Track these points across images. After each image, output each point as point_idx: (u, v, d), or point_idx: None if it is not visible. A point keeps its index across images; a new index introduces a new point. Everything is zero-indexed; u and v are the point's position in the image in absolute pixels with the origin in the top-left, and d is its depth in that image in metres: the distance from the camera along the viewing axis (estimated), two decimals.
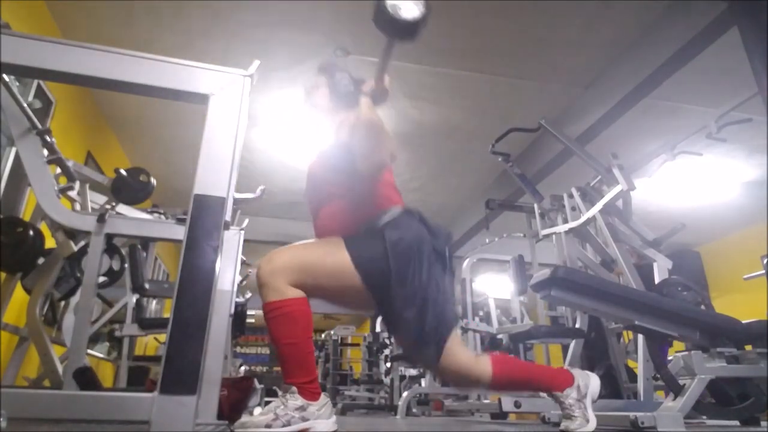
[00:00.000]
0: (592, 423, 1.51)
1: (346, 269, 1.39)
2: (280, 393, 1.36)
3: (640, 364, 2.51)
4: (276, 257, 1.40)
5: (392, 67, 4.11)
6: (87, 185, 2.77)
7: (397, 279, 1.36)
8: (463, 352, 1.48)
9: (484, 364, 1.47)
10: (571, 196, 3.15)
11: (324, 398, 1.36)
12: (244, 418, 1.35)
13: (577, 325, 2.99)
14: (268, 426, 1.28)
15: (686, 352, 1.93)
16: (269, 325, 1.37)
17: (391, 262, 1.36)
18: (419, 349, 1.39)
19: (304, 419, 1.31)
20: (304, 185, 1.69)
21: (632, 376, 2.81)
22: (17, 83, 2.14)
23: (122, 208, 2.88)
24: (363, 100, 1.50)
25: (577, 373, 1.60)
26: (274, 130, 4.90)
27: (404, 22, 1.27)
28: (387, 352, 6.04)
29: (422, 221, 1.50)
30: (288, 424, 1.30)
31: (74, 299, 2.74)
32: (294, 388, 1.33)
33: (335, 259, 1.40)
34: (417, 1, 1.27)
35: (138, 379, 4.23)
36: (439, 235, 1.49)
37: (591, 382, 1.58)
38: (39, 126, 2.12)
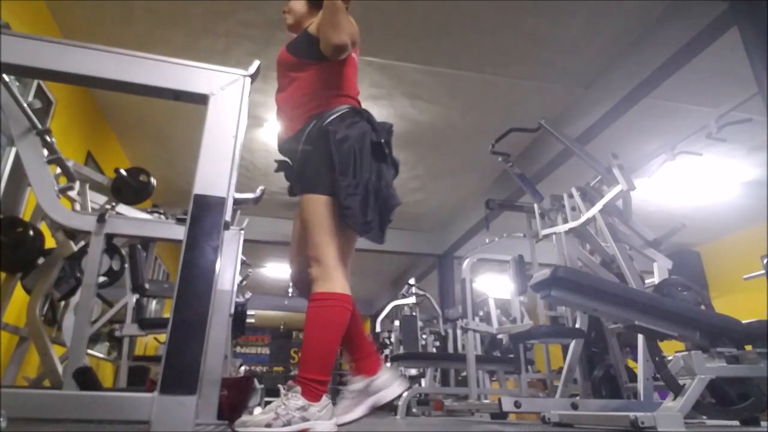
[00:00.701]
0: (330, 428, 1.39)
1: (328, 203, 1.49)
2: (282, 392, 1.37)
3: (640, 364, 2.51)
4: (319, 258, 1.48)
5: (392, 66, 4.10)
6: (87, 185, 2.77)
7: (340, 170, 1.45)
8: (342, 267, 1.49)
9: (338, 285, 1.45)
10: (571, 196, 3.15)
11: (326, 400, 1.37)
12: (245, 417, 1.35)
13: (577, 325, 2.99)
14: (268, 425, 1.29)
15: (686, 352, 1.93)
16: (316, 314, 1.43)
17: (335, 156, 1.46)
18: (364, 233, 1.46)
19: (305, 419, 1.31)
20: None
21: (632, 376, 2.81)
22: (17, 83, 2.14)
23: (122, 208, 2.88)
24: None
25: (383, 378, 1.52)
26: (274, 130, 4.90)
27: None
28: (387, 352, 6.04)
29: (368, 119, 1.60)
30: (288, 423, 1.30)
31: (74, 299, 2.74)
32: (297, 388, 1.34)
33: (325, 212, 1.49)
34: None
35: (138, 379, 4.23)
36: (381, 129, 1.59)
37: (390, 387, 1.51)
38: (39, 126, 2.12)
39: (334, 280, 1.45)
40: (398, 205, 1.58)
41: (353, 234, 1.53)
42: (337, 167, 1.45)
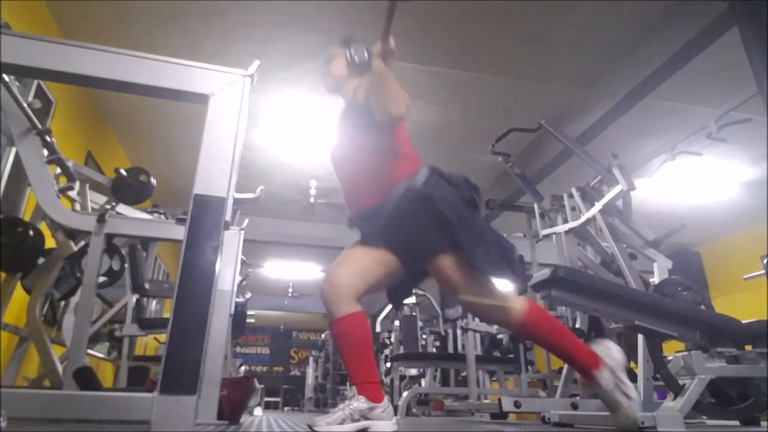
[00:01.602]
0: (634, 395, 1.52)
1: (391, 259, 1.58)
2: (348, 394, 1.55)
3: (640, 364, 2.50)
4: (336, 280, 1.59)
5: (391, 66, 4.07)
6: (87, 185, 2.77)
7: (457, 225, 1.49)
8: (501, 291, 1.59)
9: (520, 305, 1.55)
10: (571, 196, 3.15)
11: (387, 402, 1.51)
12: (318, 417, 1.46)
13: (577, 325, 2.99)
14: (340, 424, 1.43)
15: (686, 352, 1.93)
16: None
17: (447, 215, 1.50)
18: (498, 275, 1.52)
19: (368, 419, 1.46)
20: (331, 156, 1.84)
21: (632, 376, 2.81)
22: (17, 83, 2.14)
23: (122, 208, 2.88)
24: (374, 61, 1.61)
25: (598, 349, 1.58)
26: (274, 130, 4.91)
27: None
28: (387, 352, 6.04)
29: (443, 175, 1.63)
30: (355, 422, 1.45)
31: (74, 299, 2.74)
32: (362, 398, 1.48)
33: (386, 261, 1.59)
34: None
35: (138, 379, 4.23)
36: (464, 186, 1.62)
37: (612, 352, 1.58)
38: (39, 126, 2.12)
39: (515, 300, 1.57)
40: (514, 248, 1.61)
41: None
42: (454, 223, 1.49)
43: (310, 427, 1.42)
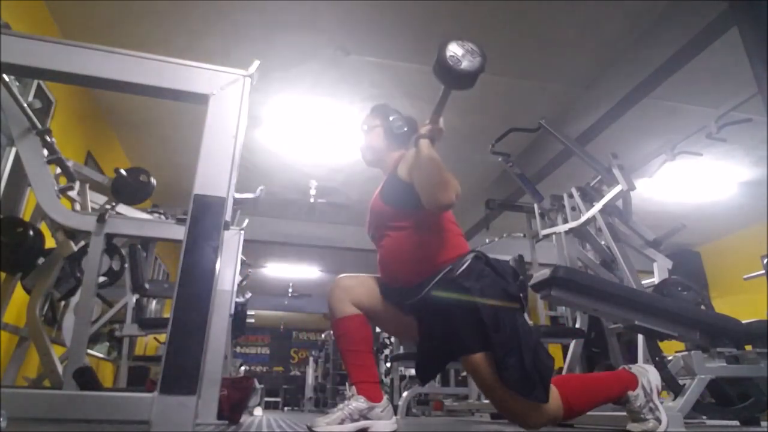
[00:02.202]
0: (665, 421, 1.51)
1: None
2: (348, 394, 1.52)
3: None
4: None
5: (391, 66, 4.09)
6: (87, 185, 2.77)
7: (492, 328, 1.37)
8: None
9: (554, 401, 1.40)
10: (571, 196, 3.15)
11: (386, 401, 1.52)
12: (319, 418, 1.47)
13: (577, 325, 2.99)
14: (340, 424, 1.44)
15: (686, 352, 1.93)
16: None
17: (482, 313, 1.39)
18: (527, 394, 1.34)
19: (368, 419, 1.47)
20: (366, 220, 1.77)
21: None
22: (17, 83, 2.14)
23: (122, 208, 2.87)
24: (422, 142, 1.53)
25: (637, 371, 1.57)
26: (274, 130, 4.91)
27: (463, 73, 1.35)
28: (387, 352, 6.04)
29: (489, 264, 1.52)
30: (355, 422, 1.46)
31: (74, 299, 2.74)
32: (362, 398, 1.49)
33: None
34: (476, 56, 1.35)
35: (138, 379, 4.24)
36: (510, 278, 1.51)
37: (651, 375, 1.56)
38: (39, 126, 2.12)
39: (550, 407, 1.39)
40: (552, 363, 1.46)
41: None
42: (488, 325, 1.38)
43: (309, 427, 1.43)
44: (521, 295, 1.51)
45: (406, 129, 1.73)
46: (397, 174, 1.64)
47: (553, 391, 1.40)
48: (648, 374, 1.56)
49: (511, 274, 1.52)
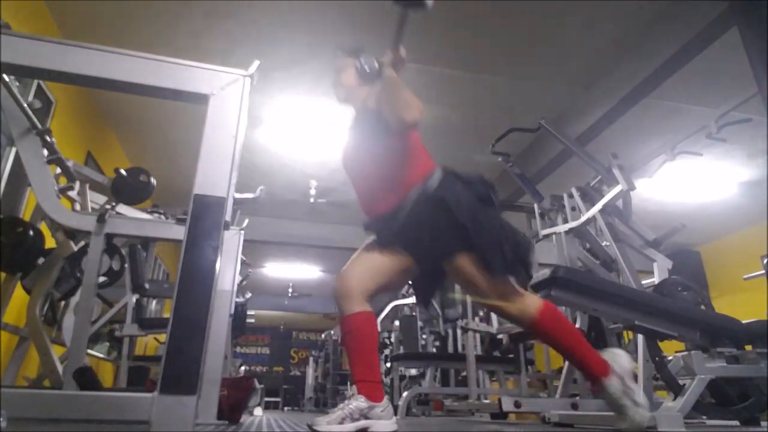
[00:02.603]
0: (644, 401, 1.54)
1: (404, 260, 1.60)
2: (348, 394, 1.54)
3: (640, 364, 2.51)
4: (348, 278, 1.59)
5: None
6: (87, 185, 2.77)
7: (471, 228, 1.52)
8: (519, 290, 1.62)
9: (536, 304, 1.60)
10: (571, 196, 3.15)
11: (386, 401, 1.51)
12: (319, 417, 1.46)
13: (577, 325, 2.99)
14: (339, 423, 1.44)
15: (686, 352, 1.93)
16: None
17: (460, 217, 1.52)
18: (513, 276, 1.56)
19: (368, 419, 1.46)
20: (341, 157, 1.85)
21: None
22: (17, 83, 2.14)
23: (122, 208, 2.87)
24: (386, 70, 1.64)
25: (608, 357, 1.60)
26: (274, 130, 4.90)
27: None
28: (387, 352, 6.04)
29: (458, 176, 1.66)
30: (355, 422, 1.46)
31: (74, 299, 2.74)
32: (362, 397, 1.48)
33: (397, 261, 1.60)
34: None
35: (138, 379, 4.24)
36: (479, 184, 1.65)
37: (620, 359, 1.59)
38: (39, 126, 2.12)
39: (531, 299, 1.62)
40: (529, 244, 1.65)
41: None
42: (468, 226, 1.52)
43: (309, 426, 1.43)
44: (492, 195, 1.65)
45: (376, 67, 1.79)
46: (367, 106, 1.76)
47: (539, 302, 1.61)
48: (619, 359, 1.60)
49: (479, 179, 1.67)
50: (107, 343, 4.67)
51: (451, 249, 1.56)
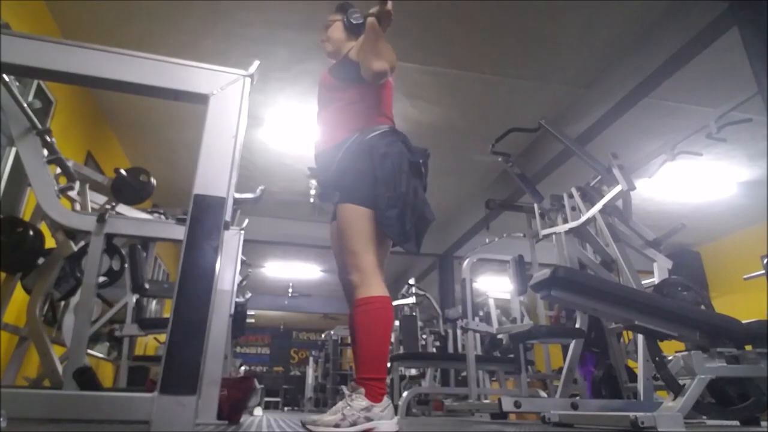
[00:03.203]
0: (384, 426, 1.45)
1: (366, 213, 1.58)
2: (346, 393, 1.47)
3: (640, 364, 2.51)
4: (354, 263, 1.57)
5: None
6: (87, 185, 2.77)
7: (382, 183, 1.56)
8: (379, 273, 1.59)
9: (378, 292, 1.55)
10: (571, 196, 3.15)
11: (387, 400, 1.47)
12: (315, 417, 1.43)
13: (577, 325, 2.99)
14: (336, 426, 1.39)
15: (686, 352, 1.93)
16: (357, 318, 1.54)
17: (377, 170, 1.57)
18: (402, 243, 1.55)
19: (369, 419, 1.42)
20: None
21: (632, 376, 2.81)
22: (17, 83, 2.14)
23: (122, 208, 2.88)
24: (369, 20, 1.63)
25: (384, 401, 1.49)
26: (274, 130, 4.91)
27: None
28: None
29: (404, 141, 1.70)
30: (354, 423, 1.41)
31: (74, 299, 2.74)
32: (361, 389, 1.44)
33: (362, 220, 1.58)
34: None
35: (138, 379, 4.24)
36: (417, 151, 1.70)
37: (382, 426, 1.46)
38: (39, 126, 2.12)
39: (374, 285, 1.56)
40: (433, 220, 1.66)
41: (389, 243, 1.65)
42: (380, 180, 1.56)
43: (304, 425, 1.41)
44: (423, 168, 1.68)
45: (362, 20, 1.81)
46: (348, 54, 1.79)
47: (381, 290, 1.56)
48: (386, 421, 1.47)
49: (419, 150, 1.70)
50: (107, 343, 4.67)
51: (351, 195, 1.59)
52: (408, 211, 1.56)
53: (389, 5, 1.66)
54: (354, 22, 1.86)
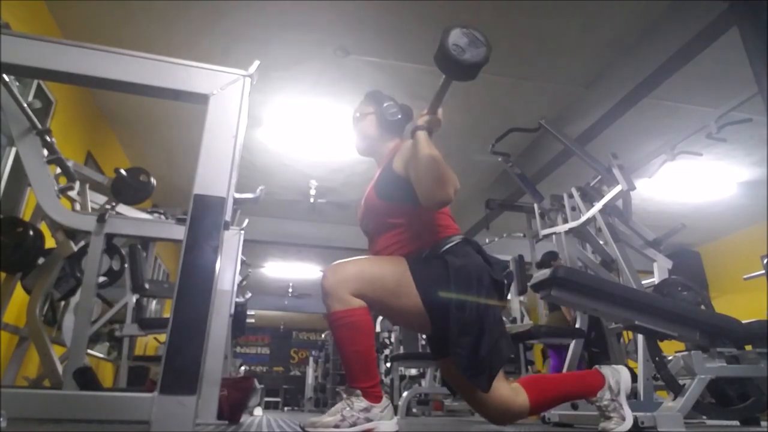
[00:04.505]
0: (629, 421, 1.53)
1: (408, 289, 1.41)
2: (344, 395, 1.45)
3: (640, 364, 2.51)
4: (341, 268, 1.42)
5: (391, 66, 4.08)
6: (87, 185, 2.77)
7: (457, 304, 1.37)
8: (504, 386, 1.46)
9: (521, 397, 1.46)
10: (571, 196, 3.15)
11: (386, 401, 1.45)
12: (314, 418, 1.41)
13: (577, 325, 2.99)
14: (336, 426, 1.37)
15: (686, 352, 1.93)
16: (335, 333, 1.42)
17: (453, 286, 1.38)
18: (470, 377, 1.36)
19: (369, 420, 1.40)
20: (359, 214, 1.70)
21: (632, 376, 2.81)
22: (17, 83, 2.14)
23: (122, 208, 2.88)
24: (420, 134, 1.46)
25: (607, 372, 1.59)
26: (274, 130, 4.90)
27: (465, 64, 1.29)
28: (387, 352, 6.04)
29: (480, 251, 1.52)
30: (354, 424, 1.38)
31: (74, 299, 2.74)
32: (358, 391, 1.41)
33: (398, 277, 1.42)
34: (480, 47, 1.30)
35: (138, 379, 4.24)
36: (497, 266, 1.49)
37: (622, 377, 1.59)
38: (39, 126, 2.12)
39: (514, 394, 1.47)
40: (510, 356, 1.49)
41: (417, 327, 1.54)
42: (452, 302, 1.37)
43: (302, 428, 1.39)
44: (504, 286, 1.48)
45: (400, 116, 1.68)
46: (392, 167, 1.56)
47: (520, 390, 1.47)
48: (619, 375, 1.58)
49: (498, 264, 1.50)
50: (107, 343, 4.67)
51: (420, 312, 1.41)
52: (485, 337, 1.36)
53: (440, 113, 1.51)
54: (390, 119, 1.66)
